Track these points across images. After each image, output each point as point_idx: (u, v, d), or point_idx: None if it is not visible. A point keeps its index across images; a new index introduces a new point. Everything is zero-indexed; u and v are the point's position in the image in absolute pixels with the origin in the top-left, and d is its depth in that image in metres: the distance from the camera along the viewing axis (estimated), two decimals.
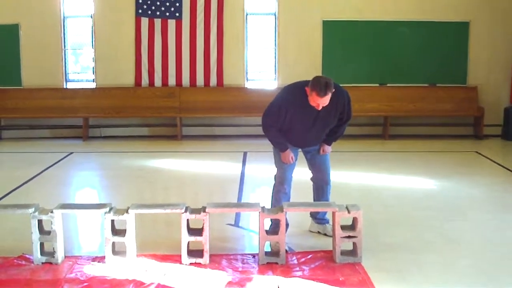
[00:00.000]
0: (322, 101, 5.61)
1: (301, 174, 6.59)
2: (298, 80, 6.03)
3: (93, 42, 13.27)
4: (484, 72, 13.25)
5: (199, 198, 8.21)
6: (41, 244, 5.58)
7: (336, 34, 13.20)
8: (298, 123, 5.92)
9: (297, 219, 6.64)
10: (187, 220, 5.57)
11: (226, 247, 6.08)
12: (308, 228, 6.58)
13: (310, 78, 5.73)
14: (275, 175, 6.33)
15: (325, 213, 6.44)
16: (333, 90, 5.62)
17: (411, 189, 8.62)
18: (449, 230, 6.63)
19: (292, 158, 6.08)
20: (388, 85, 13.32)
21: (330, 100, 5.68)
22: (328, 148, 6.31)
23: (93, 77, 13.47)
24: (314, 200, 6.47)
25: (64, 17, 13.24)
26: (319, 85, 5.53)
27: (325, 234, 6.35)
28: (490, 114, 13.05)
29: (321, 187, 6.44)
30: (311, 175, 6.48)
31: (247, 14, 13.29)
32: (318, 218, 6.49)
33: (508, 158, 11.31)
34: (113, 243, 5.59)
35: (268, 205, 5.99)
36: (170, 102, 13.18)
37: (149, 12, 13.01)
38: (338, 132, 6.28)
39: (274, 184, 6.33)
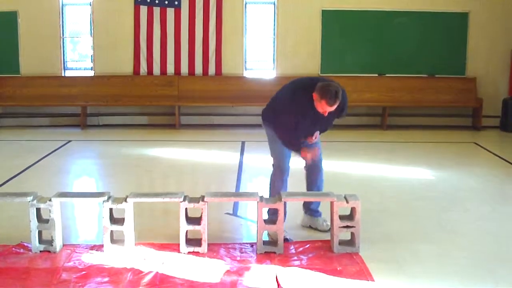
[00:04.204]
0: (330, 109, 5.57)
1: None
2: (297, 79, 6.03)
3: (92, 30, 13.24)
4: (483, 63, 13.25)
5: (197, 187, 8.22)
6: (39, 233, 5.58)
7: (336, 23, 13.19)
8: (302, 124, 5.90)
9: (295, 208, 6.63)
10: (186, 209, 5.58)
11: (224, 236, 6.09)
12: (300, 223, 6.52)
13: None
14: (273, 165, 6.32)
15: (318, 205, 6.39)
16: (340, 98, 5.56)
17: (409, 180, 8.62)
18: (447, 221, 6.64)
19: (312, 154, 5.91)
20: (387, 75, 13.32)
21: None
22: (317, 133, 6.20)
23: (91, 65, 13.45)
24: (307, 189, 6.41)
25: (62, 4, 13.21)
26: (329, 94, 5.45)
27: (316, 229, 6.30)
28: (489, 105, 13.07)
29: (314, 175, 6.34)
30: (303, 164, 6.43)
31: (246, 3, 13.26)
32: (311, 209, 6.39)
33: (506, 150, 11.31)
34: (111, 232, 5.59)
35: (266, 195, 5.99)
36: (169, 91, 13.18)
37: (148, 0, 12.97)
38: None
39: (272, 173, 6.31)
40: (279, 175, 6.21)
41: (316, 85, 5.59)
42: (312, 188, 6.35)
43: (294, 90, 5.86)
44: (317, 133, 6.08)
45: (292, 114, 5.74)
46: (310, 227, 6.39)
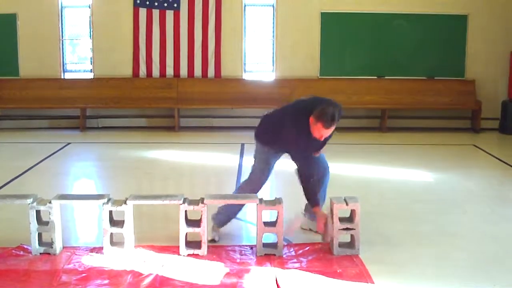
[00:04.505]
0: (327, 132, 5.50)
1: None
2: (291, 106, 5.96)
3: (91, 32, 13.25)
4: (482, 66, 13.25)
5: (197, 189, 8.22)
6: (39, 235, 5.59)
7: (334, 26, 13.19)
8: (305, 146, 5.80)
9: (293, 211, 6.63)
10: (185, 211, 5.58)
11: (224, 239, 6.09)
12: (300, 225, 6.49)
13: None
14: (250, 173, 6.23)
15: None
16: (337, 122, 5.46)
17: (408, 182, 8.63)
18: (445, 223, 6.65)
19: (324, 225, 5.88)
20: (386, 77, 13.32)
21: None
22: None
23: (90, 67, 13.45)
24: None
25: (62, 7, 13.21)
26: (325, 117, 5.36)
27: (317, 232, 6.23)
28: (488, 108, 13.06)
29: (318, 181, 6.22)
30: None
31: (245, 5, 13.27)
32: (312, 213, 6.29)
33: (505, 152, 11.32)
34: (111, 234, 5.60)
35: (265, 197, 5.98)
36: (168, 93, 13.17)
37: (147, 2, 12.98)
38: None
39: (246, 182, 6.26)
40: (250, 186, 6.18)
41: (313, 109, 5.49)
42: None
43: (294, 118, 5.70)
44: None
45: (296, 139, 5.67)
46: (310, 230, 6.38)
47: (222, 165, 9.72)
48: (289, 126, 5.68)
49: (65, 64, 13.51)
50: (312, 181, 5.78)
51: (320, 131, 5.47)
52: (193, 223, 5.66)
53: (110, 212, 5.58)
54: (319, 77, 13.20)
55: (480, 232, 6.41)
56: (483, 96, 13.18)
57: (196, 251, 5.57)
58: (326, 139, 5.91)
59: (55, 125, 13.34)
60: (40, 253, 5.54)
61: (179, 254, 5.56)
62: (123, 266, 5.25)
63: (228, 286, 4.89)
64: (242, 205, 6.25)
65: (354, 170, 9.31)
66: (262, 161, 6.11)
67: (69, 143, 11.44)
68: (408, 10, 13.05)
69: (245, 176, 8.82)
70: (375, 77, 13.34)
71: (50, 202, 5.52)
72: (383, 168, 9.43)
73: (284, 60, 13.31)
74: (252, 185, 6.17)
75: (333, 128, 5.48)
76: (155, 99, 13.10)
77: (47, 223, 5.57)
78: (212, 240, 5.93)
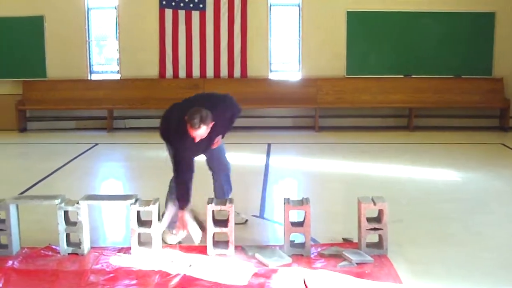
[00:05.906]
0: (197, 133, 5.52)
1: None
2: (182, 103, 6.27)
3: (117, 33, 13.33)
4: (510, 64, 13.11)
5: None
6: (67, 235, 5.62)
7: (360, 25, 13.14)
8: (193, 148, 5.88)
9: (321, 211, 6.61)
10: (212, 211, 5.59)
11: (251, 239, 6.08)
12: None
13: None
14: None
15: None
16: (209, 122, 5.49)
17: (435, 181, 8.56)
18: (473, 223, 6.58)
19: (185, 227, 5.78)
20: (413, 76, 13.24)
21: (218, 123, 5.70)
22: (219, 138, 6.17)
23: (117, 68, 13.53)
24: (214, 193, 6.39)
25: (88, 8, 13.32)
26: (192, 119, 5.43)
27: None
28: None
29: (217, 175, 6.39)
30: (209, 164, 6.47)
31: (270, 5, 13.27)
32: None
33: None
34: (139, 234, 5.62)
35: (292, 197, 5.95)
36: (194, 94, 13.17)
37: (173, 3, 13.03)
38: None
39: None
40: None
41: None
42: (218, 192, 6.36)
43: (177, 125, 5.85)
44: (219, 137, 6.10)
45: (180, 145, 5.89)
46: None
47: (248, 165, 9.70)
48: (173, 133, 5.93)
49: (92, 65, 13.62)
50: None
51: (191, 132, 5.52)
52: (220, 223, 5.66)
53: (138, 212, 5.60)
54: (346, 76, 13.15)
55: (509, 232, 6.33)
56: (511, 94, 13.05)
57: (224, 251, 5.58)
58: (222, 128, 6.11)
59: (82, 126, 13.45)
60: (68, 254, 5.58)
61: (206, 254, 5.57)
62: (151, 266, 5.27)
63: (256, 287, 4.88)
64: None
65: (382, 169, 9.26)
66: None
67: (96, 144, 11.52)
68: (434, 8, 12.96)
69: (271, 175, 8.84)
70: (402, 76, 13.27)
71: (78, 203, 5.56)
72: (411, 168, 9.36)
73: (310, 60, 13.29)
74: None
75: (202, 129, 5.49)
76: (181, 99, 13.10)
77: (75, 223, 5.60)
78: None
